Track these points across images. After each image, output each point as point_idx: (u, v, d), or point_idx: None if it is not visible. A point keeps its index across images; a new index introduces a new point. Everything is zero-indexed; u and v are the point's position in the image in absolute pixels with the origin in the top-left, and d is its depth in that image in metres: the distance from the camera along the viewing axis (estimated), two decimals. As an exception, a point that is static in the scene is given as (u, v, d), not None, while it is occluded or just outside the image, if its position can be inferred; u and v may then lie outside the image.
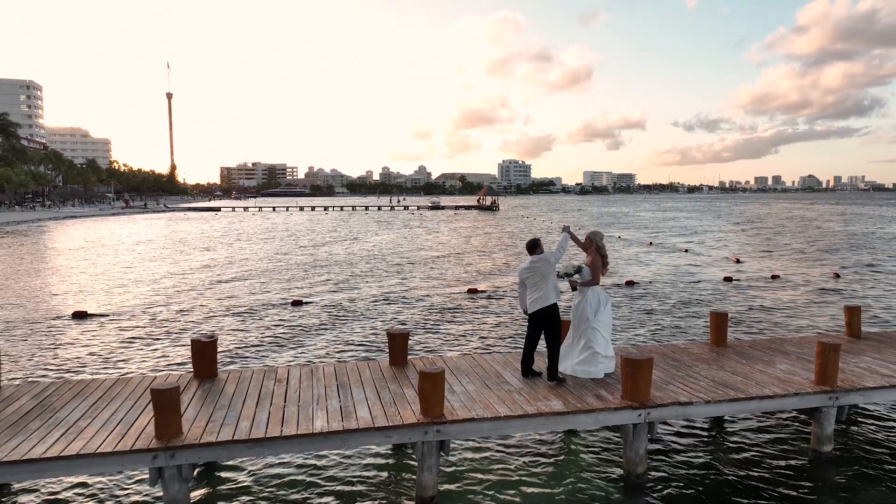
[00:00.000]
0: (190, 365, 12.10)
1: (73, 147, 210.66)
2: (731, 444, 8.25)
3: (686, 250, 35.75)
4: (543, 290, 7.74)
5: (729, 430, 8.71)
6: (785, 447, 8.11)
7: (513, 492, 6.94)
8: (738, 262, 29.91)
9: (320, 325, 15.68)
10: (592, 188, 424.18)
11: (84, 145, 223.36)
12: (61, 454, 5.75)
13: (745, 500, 6.76)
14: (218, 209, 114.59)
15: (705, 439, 8.43)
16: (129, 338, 14.34)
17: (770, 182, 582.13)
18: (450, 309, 17.85)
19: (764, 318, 16.58)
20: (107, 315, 16.95)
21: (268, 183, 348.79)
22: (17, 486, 7.04)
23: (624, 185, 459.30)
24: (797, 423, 8.82)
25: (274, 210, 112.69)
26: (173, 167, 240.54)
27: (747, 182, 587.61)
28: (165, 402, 6.04)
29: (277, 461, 7.67)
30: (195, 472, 6.97)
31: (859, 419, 9.06)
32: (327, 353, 12.91)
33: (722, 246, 38.92)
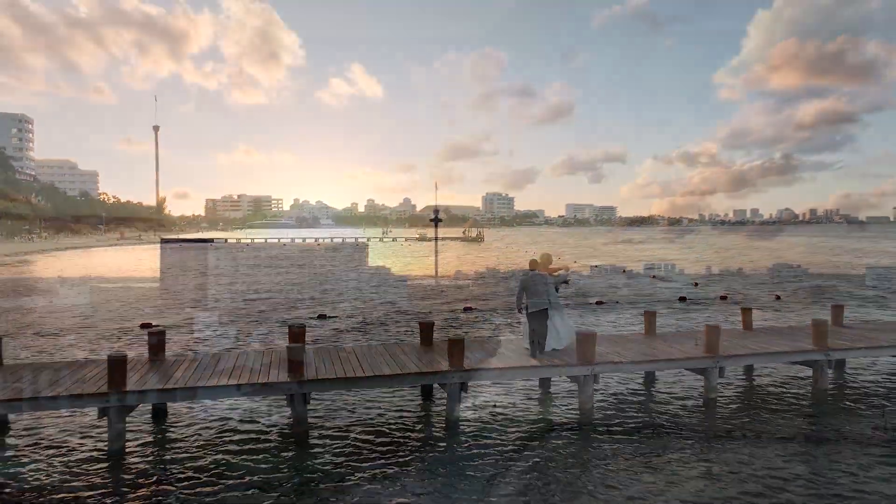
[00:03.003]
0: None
1: (60, 179, 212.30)
2: (652, 394, 12.26)
3: (654, 276, 40.07)
4: (540, 296, 11.68)
5: (652, 386, 12.72)
6: (687, 394, 12.13)
7: (508, 418, 10.84)
8: (696, 285, 34.25)
9: (346, 332, 19.49)
10: (575, 220, 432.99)
11: (72, 177, 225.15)
12: (238, 383, 9.58)
13: (658, 425, 10.72)
14: (211, 241, 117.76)
15: (635, 391, 12.40)
16: (200, 339, 18.04)
17: (748, 214, 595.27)
18: (451, 320, 21.76)
19: (697, 325, 20.68)
20: (169, 327, 20.59)
21: (253, 215, 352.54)
22: (174, 411, 10.79)
23: (606, 218, 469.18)
24: (694, 380, 12.82)
25: (266, 241, 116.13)
26: (162, 200, 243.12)
27: (726, 214, 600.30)
28: (296, 355, 9.92)
29: (348, 398, 11.52)
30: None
31: (735, 378, 13.13)
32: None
33: (686, 272, 43.33)
